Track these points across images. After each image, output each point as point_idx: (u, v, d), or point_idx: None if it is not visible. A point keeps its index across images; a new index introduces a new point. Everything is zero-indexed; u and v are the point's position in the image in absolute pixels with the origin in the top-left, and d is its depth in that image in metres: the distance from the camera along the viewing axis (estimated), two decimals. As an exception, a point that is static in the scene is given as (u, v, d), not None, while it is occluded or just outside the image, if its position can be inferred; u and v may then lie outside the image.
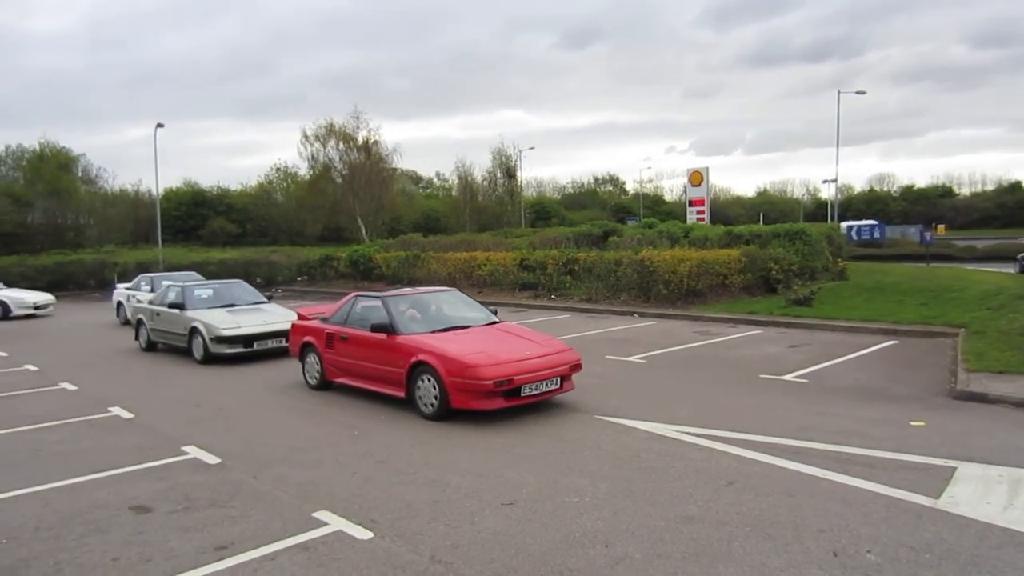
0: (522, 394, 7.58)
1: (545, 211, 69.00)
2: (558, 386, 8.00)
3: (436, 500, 5.44)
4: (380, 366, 8.48)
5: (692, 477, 5.79)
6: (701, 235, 22.43)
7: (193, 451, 6.92)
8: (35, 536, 4.97)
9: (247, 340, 12.08)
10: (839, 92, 39.99)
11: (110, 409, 8.83)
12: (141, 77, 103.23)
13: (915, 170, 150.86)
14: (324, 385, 9.56)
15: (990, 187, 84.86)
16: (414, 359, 7.90)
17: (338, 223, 48.78)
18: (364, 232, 44.44)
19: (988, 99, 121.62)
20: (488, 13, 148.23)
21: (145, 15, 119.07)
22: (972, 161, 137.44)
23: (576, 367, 8.22)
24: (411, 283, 25.73)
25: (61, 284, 28.82)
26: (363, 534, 4.82)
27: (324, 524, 5.01)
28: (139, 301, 15.77)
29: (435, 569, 4.29)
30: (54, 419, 8.39)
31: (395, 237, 36.74)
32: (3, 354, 14.07)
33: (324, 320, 9.76)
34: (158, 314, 13.52)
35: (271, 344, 12.27)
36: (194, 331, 12.28)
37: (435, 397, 7.66)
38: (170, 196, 49.49)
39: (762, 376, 9.77)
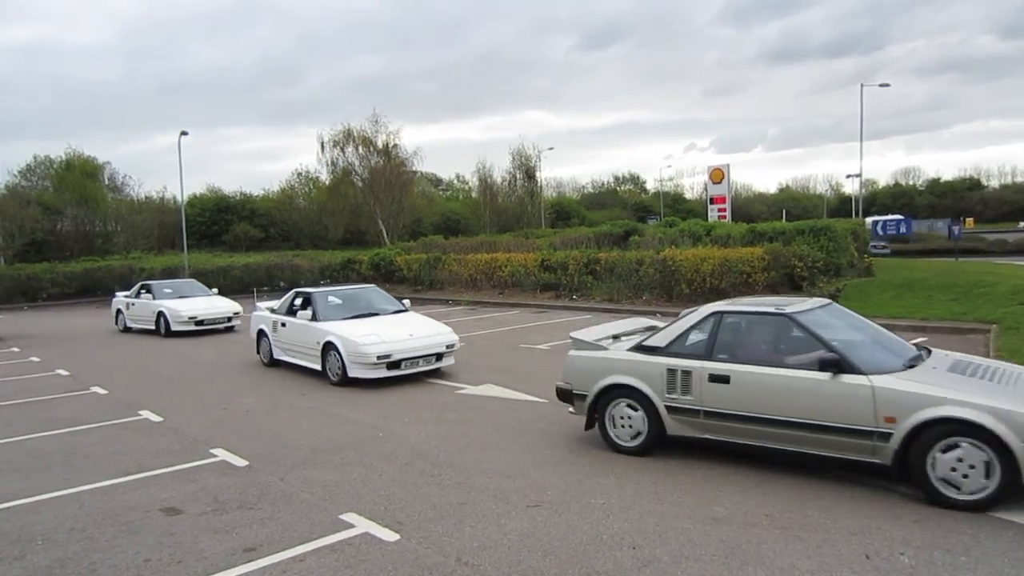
0: None
1: (565, 211, 68.91)
2: None
3: (462, 502, 5.45)
4: None
5: (719, 479, 5.74)
6: (723, 233, 22.28)
7: (221, 453, 6.99)
8: (70, 537, 5.05)
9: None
10: (862, 85, 39.68)
11: (140, 413, 8.95)
12: (172, 86, 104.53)
13: (942, 163, 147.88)
14: None
15: (1020, 179, 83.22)
16: None
17: (359, 226, 49.10)
18: (385, 235, 44.67)
19: (1017, 89, 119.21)
20: (512, 16, 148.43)
21: (180, 26, 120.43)
22: (1001, 153, 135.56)
23: None
24: (432, 286, 25.74)
25: (90, 290, 29.34)
26: (390, 536, 4.83)
27: (351, 526, 5.03)
28: (582, 344, 7.02)
29: (462, 571, 4.29)
30: (87, 423, 8.53)
31: (416, 239, 36.90)
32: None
33: None
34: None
35: None
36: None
37: None
38: (194, 202, 50.11)
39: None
